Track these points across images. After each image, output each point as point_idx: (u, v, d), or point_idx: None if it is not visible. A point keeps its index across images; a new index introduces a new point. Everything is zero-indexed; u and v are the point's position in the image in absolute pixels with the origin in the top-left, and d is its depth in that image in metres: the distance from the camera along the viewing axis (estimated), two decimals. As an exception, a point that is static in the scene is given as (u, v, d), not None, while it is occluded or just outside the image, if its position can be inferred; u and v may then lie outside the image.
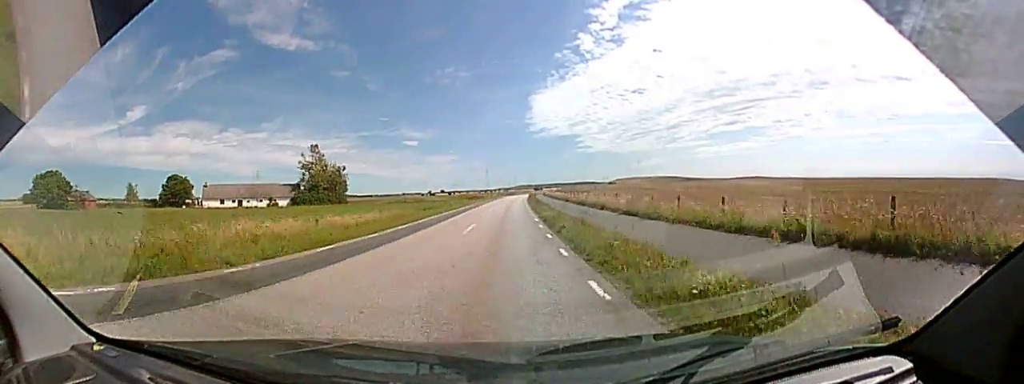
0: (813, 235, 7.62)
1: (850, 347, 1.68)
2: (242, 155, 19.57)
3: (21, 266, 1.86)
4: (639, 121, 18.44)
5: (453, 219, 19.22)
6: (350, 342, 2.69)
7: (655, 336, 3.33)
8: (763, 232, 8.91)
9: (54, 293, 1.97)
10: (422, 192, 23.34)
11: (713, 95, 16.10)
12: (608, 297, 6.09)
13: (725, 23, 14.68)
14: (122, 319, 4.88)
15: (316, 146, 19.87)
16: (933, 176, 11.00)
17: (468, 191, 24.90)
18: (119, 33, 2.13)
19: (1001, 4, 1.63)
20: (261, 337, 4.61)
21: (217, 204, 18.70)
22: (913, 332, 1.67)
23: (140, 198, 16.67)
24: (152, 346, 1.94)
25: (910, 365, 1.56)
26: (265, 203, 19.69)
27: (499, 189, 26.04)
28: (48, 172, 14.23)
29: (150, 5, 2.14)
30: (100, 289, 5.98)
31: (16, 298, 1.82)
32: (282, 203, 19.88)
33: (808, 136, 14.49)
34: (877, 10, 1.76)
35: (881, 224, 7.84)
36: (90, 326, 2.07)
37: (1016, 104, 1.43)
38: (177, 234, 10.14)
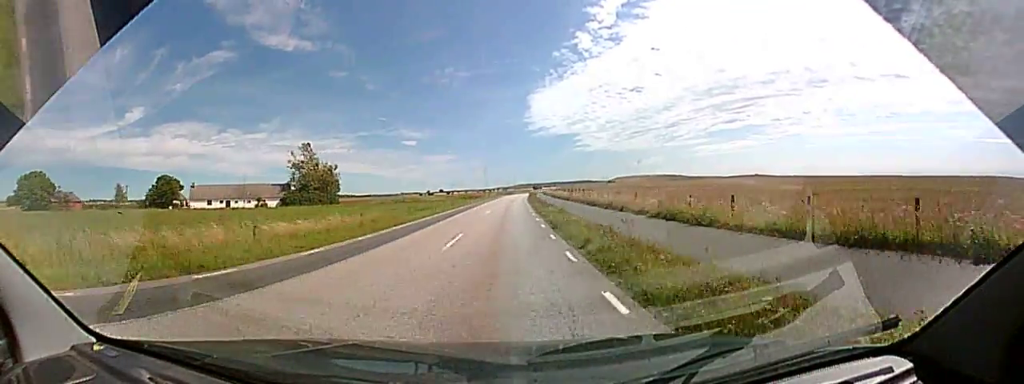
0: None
1: (850, 347, 1.68)
2: (241, 156, 19.53)
3: (21, 266, 1.86)
4: (638, 119, 18.38)
5: (442, 223, 17.79)
6: (350, 342, 2.69)
7: (655, 336, 3.33)
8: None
9: (54, 293, 1.97)
10: (421, 192, 23.24)
11: (712, 93, 16.08)
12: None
13: (724, 21, 14.64)
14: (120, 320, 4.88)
15: (308, 145, 19.40)
16: (932, 174, 10.99)
17: (467, 190, 24.77)
18: (118, 33, 2.14)
19: (1000, 2, 1.63)
20: (261, 337, 4.61)
21: (204, 205, 18.48)
22: (913, 332, 1.67)
23: (130, 199, 16.62)
24: (152, 346, 1.94)
25: (910, 365, 1.56)
26: (254, 204, 19.36)
27: (498, 188, 25.96)
28: (32, 173, 14.00)
29: (149, 6, 2.15)
30: (93, 290, 5.95)
31: (16, 298, 1.82)
32: (272, 204, 19.57)
33: (807, 134, 14.47)
34: (876, 8, 1.77)
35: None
36: (91, 326, 2.07)
37: (1015, 103, 1.43)
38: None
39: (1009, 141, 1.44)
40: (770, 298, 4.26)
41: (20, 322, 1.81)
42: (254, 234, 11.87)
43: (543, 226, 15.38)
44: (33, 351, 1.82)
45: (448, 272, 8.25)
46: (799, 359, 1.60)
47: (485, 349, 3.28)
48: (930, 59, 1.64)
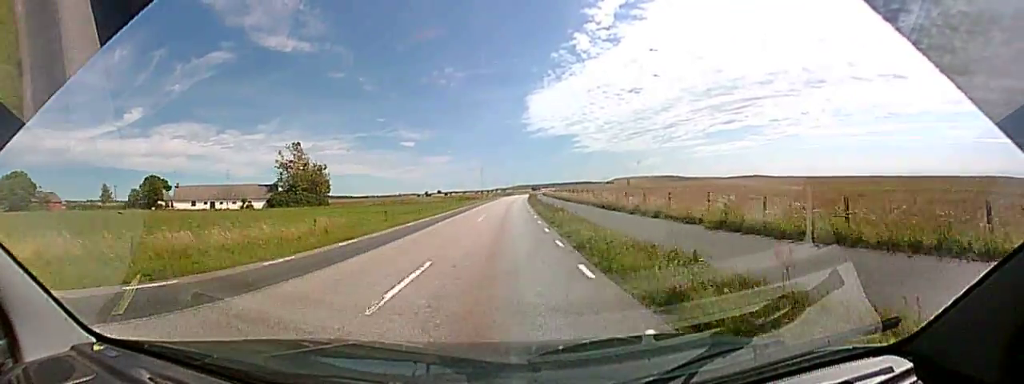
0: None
1: (850, 347, 1.68)
2: (240, 157, 19.50)
3: (21, 266, 1.86)
4: (636, 120, 18.35)
5: (417, 235, 14.72)
6: (350, 342, 2.69)
7: (655, 336, 3.33)
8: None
9: (54, 293, 1.97)
10: (419, 193, 23.09)
11: (710, 94, 16.07)
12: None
13: (722, 22, 14.62)
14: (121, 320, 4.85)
15: (298, 144, 18.92)
16: (932, 174, 11.00)
17: (466, 191, 24.54)
18: (118, 34, 2.14)
19: (999, 2, 1.63)
20: (261, 337, 4.60)
21: (188, 206, 18.23)
22: (913, 332, 1.67)
23: (115, 200, 16.40)
24: (152, 346, 1.94)
25: (910, 365, 1.56)
26: (239, 205, 18.95)
27: (496, 189, 25.80)
28: (13, 173, 13.88)
29: (149, 6, 2.15)
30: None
31: (16, 298, 1.82)
32: (258, 205, 19.16)
33: (806, 135, 14.46)
34: (875, 8, 1.77)
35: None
36: (91, 326, 2.07)
37: (1015, 103, 1.43)
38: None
39: (1009, 141, 1.44)
40: (770, 298, 4.26)
41: (20, 322, 1.81)
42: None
43: (560, 244, 10.88)
44: (33, 351, 1.82)
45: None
46: (799, 359, 1.60)
47: (485, 349, 3.28)
48: (929, 59, 1.64)
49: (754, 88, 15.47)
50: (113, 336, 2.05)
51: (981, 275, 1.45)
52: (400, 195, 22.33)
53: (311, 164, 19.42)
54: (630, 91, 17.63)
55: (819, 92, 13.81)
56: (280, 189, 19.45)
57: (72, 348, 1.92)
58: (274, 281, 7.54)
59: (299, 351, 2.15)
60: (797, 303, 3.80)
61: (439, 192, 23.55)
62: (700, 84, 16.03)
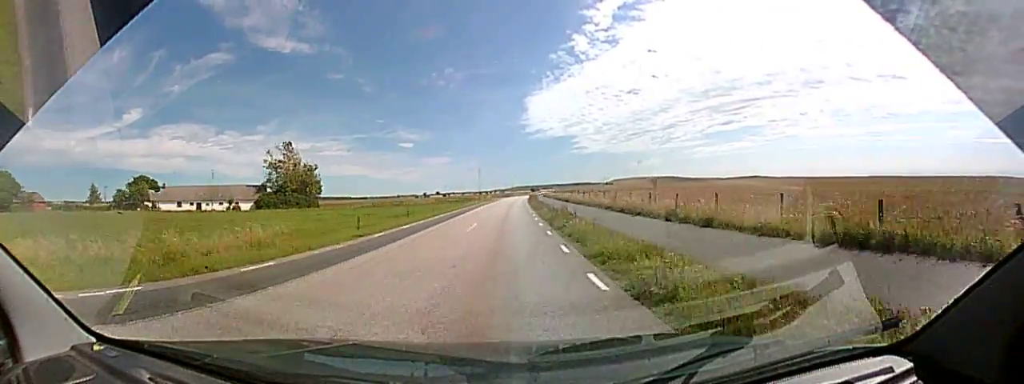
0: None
1: (850, 347, 1.68)
2: (239, 157, 19.52)
3: (21, 266, 1.86)
4: (634, 121, 18.40)
5: (400, 244, 12.37)
6: (350, 342, 2.69)
7: (655, 336, 3.33)
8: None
9: (54, 293, 1.97)
10: (417, 194, 23.01)
11: (708, 95, 16.13)
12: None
13: (720, 22, 14.68)
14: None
15: (289, 144, 18.69)
16: (931, 175, 11.01)
17: (464, 192, 24.48)
18: (118, 34, 2.14)
19: (999, 1, 1.63)
20: (261, 337, 4.60)
21: (173, 207, 18.03)
22: (913, 332, 1.67)
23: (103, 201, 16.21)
24: (152, 346, 1.94)
25: (910, 365, 1.56)
26: (225, 206, 18.66)
27: (495, 191, 25.77)
28: None
29: (149, 7, 2.15)
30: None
31: (16, 298, 1.82)
32: (245, 206, 18.85)
33: (804, 135, 14.53)
34: (873, 8, 1.77)
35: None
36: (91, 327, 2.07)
37: (1015, 102, 1.43)
38: None
39: (1009, 141, 1.44)
40: (770, 298, 4.26)
41: (20, 322, 1.81)
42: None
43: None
44: (33, 351, 1.82)
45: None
46: (799, 359, 1.60)
47: (485, 349, 3.28)
48: (928, 59, 1.64)
49: (752, 89, 15.53)
50: (113, 336, 2.05)
51: (981, 275, 1.45)
52: (398, 196, 22.32)
53: (302, 164, 19.16)
54: (629, 92, 17.68)
55: (818, 93, 13.87)
56: (268, 190, 19.15)
57: (72, 348, 1.92)
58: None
59: (299, 351, 2.15)
60: (797, 303, 3.81)
61: (438, 193, 23.50)
62: (698, 85, 16.08)
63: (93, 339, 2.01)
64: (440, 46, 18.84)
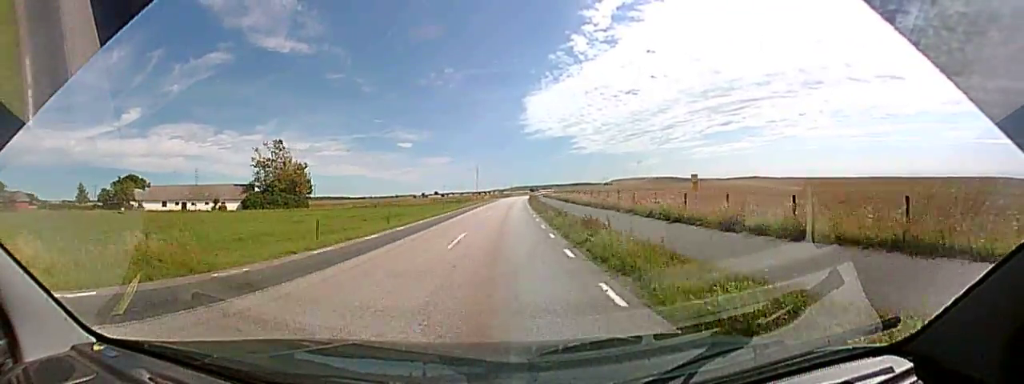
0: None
1: (850, 347, 1.68)
2: (238, 157, 19.42)
3: (21, 266, 1.86)
4: (633, 122, 18.32)
5: (367, 257, 10.19)
6: (350, 342, 2.69)
7: (655, 336, 3.33)
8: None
9: (54, 293, 1.97)
10: (416, 194, 22.90)
11: (707, 95, 16.09)
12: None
13: (719, 23, 14.65)
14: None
15: (280, 142, 18.12)
16: (931, 175, 11.00)
17: (463, 192, 24.32)
18: (118, 34, 2.14)
19: (998, 1, 1.63)
20: (261, 337, 4.60)
21: (159, 206, 17.61)
22: (913, 332, 1.67)
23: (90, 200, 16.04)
24: (152, 346, 1.94)
25: (910, 365, 1.56)
26: (210, 206, 18.20)
27: (494, 191, 25.58)
28: None
29: (149, 6, 2.15)
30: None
31: (16, 298, 1.82)
32: (232, 206, 18.41)
33: (803, 136, 14.48)
34: (873, 8, 1.77)
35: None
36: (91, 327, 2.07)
37: (1015, 103, 1.43)
38: None
39: (1009, 141, 1.44)
40: (770, 298, 4.26)
41: (20, 322, 1.81)
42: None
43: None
44: (33, 351, 1.82)
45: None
46: (799, 359, 1.60)
47: (485, 349, 3.28)
48: (928, 59, 1.64)
49: (751, 89, 15.50)
50: (113, 336, 2.05)
51: (981, 275, 1.45)
52: (396, 196, 22.22)
53: (291, 163, 18.66)
54: (627, 92, 17.65)
55: (817, 93, 13.85)
56: (256, 189, 18.64)
57: (72, 348, 1.92)
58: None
59: (299, 351, 2.15)
60: (797, 303, 3.81)
61: (436, 193, 23.39)
62: (697, 85, 16.04)
63: (93, 339, 2.01)
64: (439, 46, 18.80)
